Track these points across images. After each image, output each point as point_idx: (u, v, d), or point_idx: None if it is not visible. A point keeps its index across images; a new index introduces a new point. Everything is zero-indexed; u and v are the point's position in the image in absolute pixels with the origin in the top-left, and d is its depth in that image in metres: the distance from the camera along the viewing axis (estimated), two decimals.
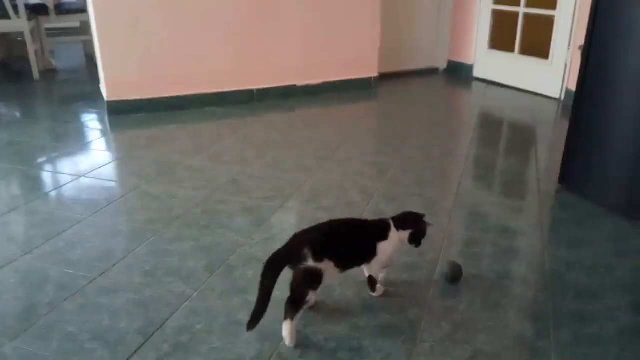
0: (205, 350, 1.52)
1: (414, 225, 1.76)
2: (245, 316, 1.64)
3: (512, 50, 4.86)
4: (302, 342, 1.56)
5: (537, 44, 4.66)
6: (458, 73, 5.46)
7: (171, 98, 3.87)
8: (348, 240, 1.66)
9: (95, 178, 2.71)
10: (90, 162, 2.97)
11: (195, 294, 1.77)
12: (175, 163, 2.88)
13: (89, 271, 1.88)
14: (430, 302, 1.77)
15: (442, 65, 5.62)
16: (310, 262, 1.52)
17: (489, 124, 4.02)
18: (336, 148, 3.19)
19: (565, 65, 4.35)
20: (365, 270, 1.76)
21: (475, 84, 5.11)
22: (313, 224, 2.12)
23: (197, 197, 2.47)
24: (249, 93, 4.16)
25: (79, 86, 4.86)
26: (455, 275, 1.88)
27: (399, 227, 1.73)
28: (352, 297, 1.78)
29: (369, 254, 1.69)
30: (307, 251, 1.53)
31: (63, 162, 2.97)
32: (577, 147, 2.59)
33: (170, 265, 1.93)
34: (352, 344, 1.56)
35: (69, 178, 2.71)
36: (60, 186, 2.64)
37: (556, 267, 2.00)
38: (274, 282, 1.50)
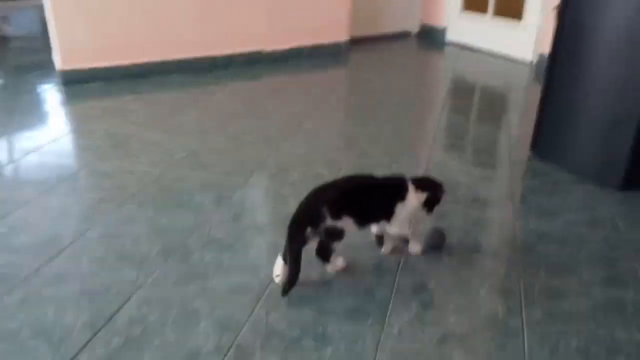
0: (159, 343, 1.41)
1: (432, 188, 1.76)
2: (202, 304, 1.55)
3: (485, 11, 4.74)
4: (263, 331, 1.47)
5: (511, 4, 4.53)
6: (431, 37, 5.32)
7: (128, 66, 3.65)
8: (365, 199, 1.66)
9: (45, 154, 2.53)
10: (40, 137, 2.78)
11: (149, 281, 1.65)
12: (130, 136, 2.71)
13: (34, 259, 1.74)
14: (399, 282, 1.69)
15: (414, 28, 5.47)
16: (329, 221, 1.56)
17: (461, 91, 3.91)
18: (303, 118, 3.06)
19: (539, 28, 4.25)
20: (388, 229, 1.74)
21: (448, 48, 4.99)
22: (278, 200, 2.02)
23: (153, 173, 2.32)
24: (212, 60, 3.96)
25: (33, 55, 4.55)
26: (439, 242, 1.85)
27: (417, 188, 1.72)
28: (317, 279, 1.68)
29: (386, 214, 1.69)
30: (325, 210, 1.55)
31: (10, 137, 2.77)
32: (549, 114, 2.51)
33: (122, 250, 1.80)
34: (317, 330, 1.47)
35: (16, 155, 2.52)
36: (6, 164, 2.45)
37: (527, 239, 1.94)
38: (302, 244, 1.56)
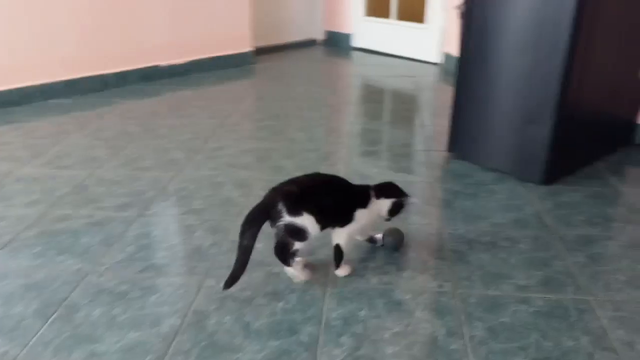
0: None
1: (398, 195, 1.69)
2: None
3: (388, 16, 4.71)
4: None
5: (413, 8, 4.54)
6: (336, 43, 5.23)
7: (2, 92, 3.20)
8: (328, 198, 1.56)
9: None
10: None
11: (22, 353, 1.33)
12: (4, 174, 2.31)
13: None
14: (326, 314, 1.49)
15: (319, 36, 5.36)
16: (287, 217, 1.46)
17: (372, 96, 3.81)
18: (208, 136, 2.79)
19: (442, 29, 4.27)
20: (333, 239, 1.62)
21: (354, 54, 4.92)
22: (182, 232, 1.79)
23: (29, 216, 1.96)
24: (103, 79, 3.58)
25: None
26: (399, 241, 1.79)
27: (379, 195, 1.66)
28: (231, 323, 1.44)
29: (344, 219, 1.60)
30: (281, 206, 1.45)
31: None
32: (463, 114, 2.44)
33: None
34: None
35: None
36: None
37: (457, 247, 1.81)
38: (254, 240, 1.45)
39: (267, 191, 1.53)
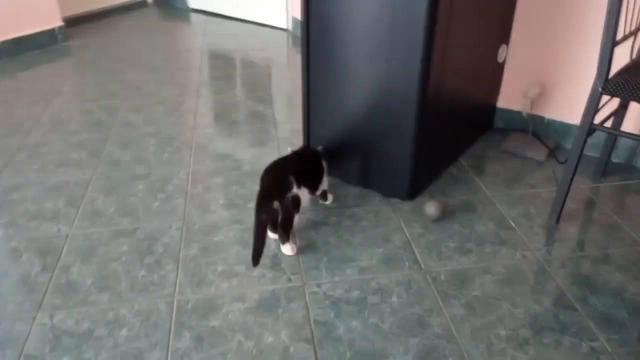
0: None
1: (330, 155, 1.97)
2: None
3: None
4: None
5: None
6: (170, 4, 4.55)
7: None
8: (314, 172, 1.86)
9: None
10: None
11: None
12: None
13: None
14: None
15: None
16: (295, 190, 1.67)
17: (219, 82, 3.28)
18: (11, 154, 2.15)
19: None
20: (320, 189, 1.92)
21: (193, 17, 4.30)
22: None
23: None
24: None
25: None
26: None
27: (323, 157, 1.93)
28: None
29: (317, 185, 1.87)
30: (291, 180, 1.66)
31: None
32: (317, 124, 2.09)
33: None
34: None
35: None
36: None
37: (322, 315, 1.53)
38: (270, 214, 1.64)
39: (262, 176, 1.69)
